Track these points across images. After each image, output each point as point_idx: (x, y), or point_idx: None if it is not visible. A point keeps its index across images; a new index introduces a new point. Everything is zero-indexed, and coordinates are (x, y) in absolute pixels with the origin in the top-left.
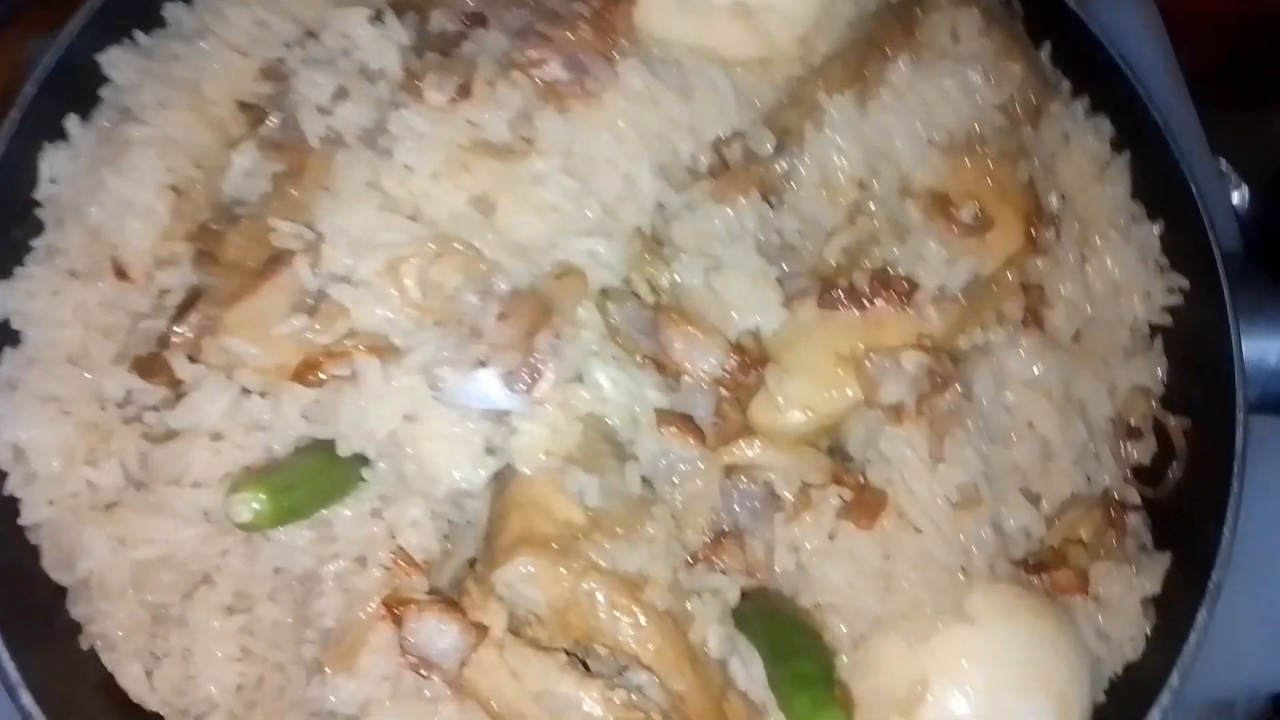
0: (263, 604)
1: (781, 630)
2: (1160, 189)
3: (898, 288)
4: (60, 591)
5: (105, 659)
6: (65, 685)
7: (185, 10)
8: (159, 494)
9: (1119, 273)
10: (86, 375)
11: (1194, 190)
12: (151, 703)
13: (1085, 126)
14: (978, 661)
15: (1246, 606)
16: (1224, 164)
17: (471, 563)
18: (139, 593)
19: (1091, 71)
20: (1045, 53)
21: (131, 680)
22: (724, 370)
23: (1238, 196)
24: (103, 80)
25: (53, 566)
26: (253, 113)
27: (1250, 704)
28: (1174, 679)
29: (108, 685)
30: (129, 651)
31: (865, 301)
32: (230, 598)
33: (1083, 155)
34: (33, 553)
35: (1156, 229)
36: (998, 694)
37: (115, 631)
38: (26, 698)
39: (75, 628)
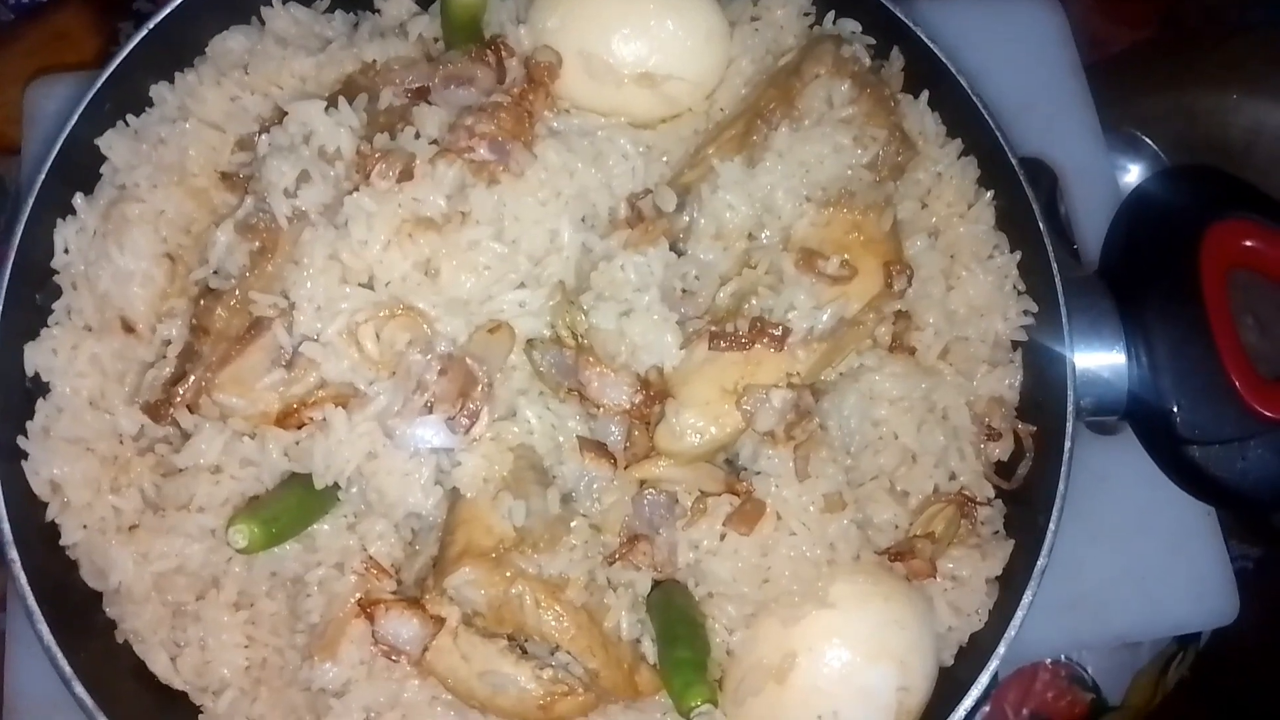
0: (262, 600)
1: (670, 619)
2: (1016, 225)
3: (772, 333)
4: (96, 595)
5: (137, 649)
6: (107, 673)
7: (168, 89)
8: (171, 518)
9: (983, 296)
10: (106, 415)
11: (1041, 228)
12: (177, 683)
13: (956, 168)
14: (834, 638)
15: (1119, 566)
16: (1147, 140)
17: (434, 560)
18: (160, 595)
19: (962, 119)
20: (924, 100)
21: (160, 666)
22: (632, 403)
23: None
24: (102, 159)
25: (89, 577)
26: (230, 181)
27: (1156, 643)
28: (1001, 648)
29: (140, 671)
30: (155, 643)
31: (745, 344)
32: (235, 596)
33: (953, 193)
34: (72, 566)
35: (1016, 258)
36: (852, 663)
37: (144, 627)
38: (80, 688)
39: (111, 625)
